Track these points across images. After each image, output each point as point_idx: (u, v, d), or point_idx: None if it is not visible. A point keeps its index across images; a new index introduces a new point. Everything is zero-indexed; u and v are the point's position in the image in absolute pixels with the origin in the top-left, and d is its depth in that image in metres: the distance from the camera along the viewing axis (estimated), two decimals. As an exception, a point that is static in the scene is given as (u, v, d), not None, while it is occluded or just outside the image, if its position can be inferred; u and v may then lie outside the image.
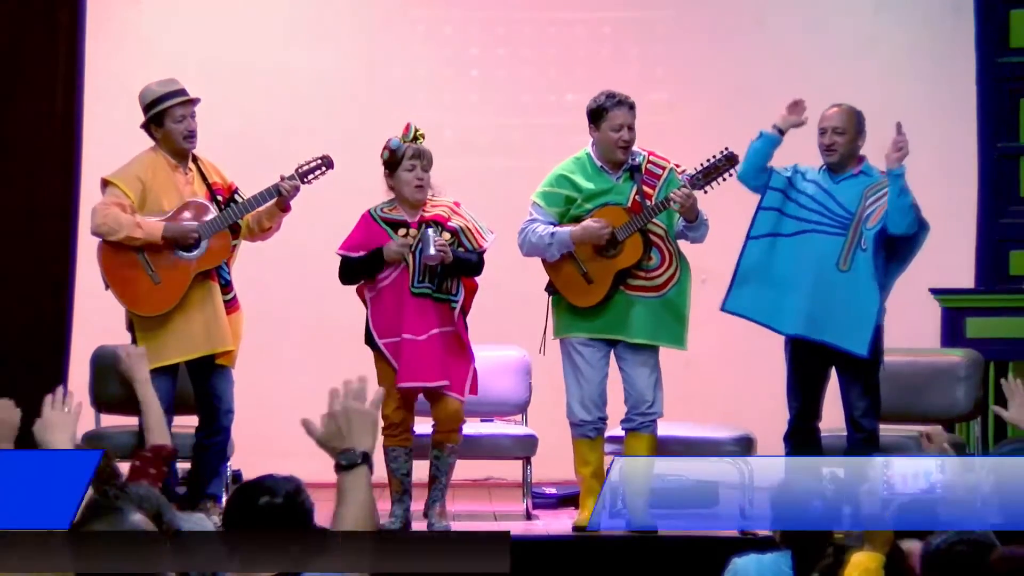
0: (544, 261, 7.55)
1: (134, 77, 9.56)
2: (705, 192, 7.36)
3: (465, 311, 7.44)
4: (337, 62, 9.95)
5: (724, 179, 7.36)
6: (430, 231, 7.26)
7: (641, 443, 7.47)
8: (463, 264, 7.33)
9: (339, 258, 7.50)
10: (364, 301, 7.46)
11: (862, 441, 7.31)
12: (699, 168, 7.34)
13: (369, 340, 7.43)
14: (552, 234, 7.47)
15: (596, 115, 7.48)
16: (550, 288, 7.61)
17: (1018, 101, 9.31)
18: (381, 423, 7.31)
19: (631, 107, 7.46)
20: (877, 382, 7.39)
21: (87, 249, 8.23)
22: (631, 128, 7.44)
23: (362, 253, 7.39)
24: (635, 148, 7.50)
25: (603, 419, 7.52)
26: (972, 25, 9.34)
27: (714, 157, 7.33)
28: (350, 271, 7.45)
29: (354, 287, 7.53)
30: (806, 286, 7.33)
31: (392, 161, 7.40)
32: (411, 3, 10.08)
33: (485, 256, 7.45)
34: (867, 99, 9.58)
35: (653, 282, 7.44)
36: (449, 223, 7.38)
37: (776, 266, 7.39)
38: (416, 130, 7.44)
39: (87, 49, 8.72)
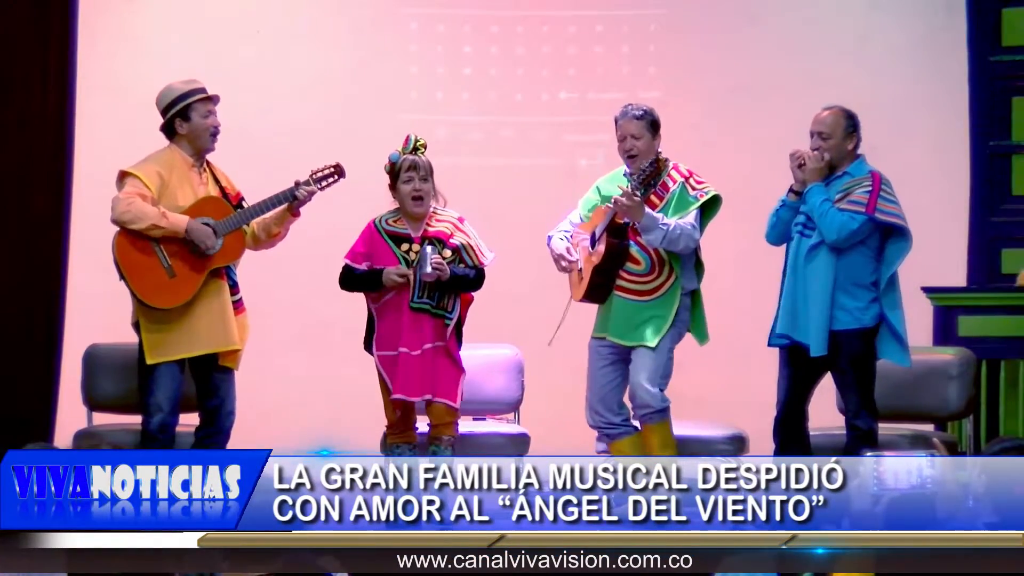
0: None
1: (127, 77, 9.58)
2: (641, 194, 7.36)
3: (461, 322, 7.54)
4: (329, 60, 9.93)
5: (653, 183, 7.40)
6: (428, 249, 7.39)
7: (649, 436, 7.50)
8: (461, 281, 7.46)
9: (339, 258, 7.58)
10: (370, 309, 7.54)
11: (855, 439, 7.32)
12: (635, 176, 7.43)
13: (368, 346, 7.53)
14: (549, 238, 7.65)
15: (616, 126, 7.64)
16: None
17: (1010, 99, 9.32)
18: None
19: (636, 117, 7.52)
20: (867, 381, 7.38)
21: (79, 248, 8.24)
22: (634, 137, 7.50)
23: (364, 267, 7.50)
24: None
25: (610, 423, 7.57)
26: (964, 23, 9.35)
27: (643, 166, 7.39)
28: (351, 282, 7.57)
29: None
30: (788, 287, 7.37)
31: (392, 174, 7.52)
32: (404, 1, 10.07)
33: (485, 272, 7.55)
34: (860, 97, 9.58)
35: (639, 286, 7.49)
36: (451, 240, 7.49)
37: (784, 276, 7.45)
38: (416, 140, 7.52)
39: (79, 49, 8.71)
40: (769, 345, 7.47)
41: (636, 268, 7.49)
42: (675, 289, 7.50)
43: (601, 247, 7.48)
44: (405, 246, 7.49)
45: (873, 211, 7.23)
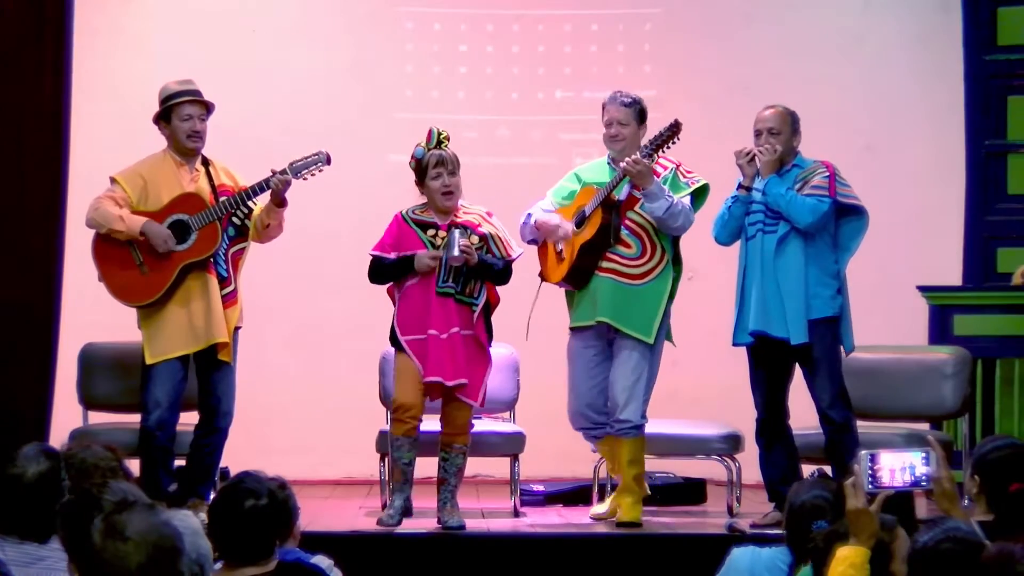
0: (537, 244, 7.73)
1: (122, 76, 9.60)
2: (651, 158, 7.42)
3: (489, 312, 7.50)
4: (325, 59, 9.95)
5: (670, 147, 7.47)
6: (456, 232, 7.31)
7: (619, 447, 7.54)
8: (488, 268, 7.40)
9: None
10: (393, 301, 7.50)
11: (834, 432, 7.34)
12: (648, 140, 7.49)
13: (393, 339, 7.47)
14: (529, 215, 7.67)
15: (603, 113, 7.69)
16: (542, 274, 7.75)
17: (1006, 98, 9.33)
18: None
19: (624, 104, 7.60)
20: (838, 370, 7.41)
21: (75, 247, 8.24)
22: (620, 123, 7.59)
23: (393, 255, 7.42)
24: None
25: (597, 424, 7.61)
26: (960, 22, 9.35)
27: (661, 130, 7.47)
28: (380, 272, 7.49)
29: (384, 287, 7.58)
30: (756, 285, 7.39)
31: (418, 170, 7.46)
32: (400, 0, 10.09)
33: (513, 266, 7.52)
34: (855, 96, 9.64)
35: (631, 269, 7.52)
36: (479, 228, 7.44)
37: (744, 276, 7.48)
38: (439, 134, 7.47)
39: (75, 48, 8.70)
40: (735, 344, 7.50)
41: (627, 252, 7.52)
42: (666, 274, 7.55)
43: (593, 222, 7.50)
44: (431, 232, 7.42)
45: (835, 194, 7.37)
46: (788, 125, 7.48)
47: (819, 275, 7.36)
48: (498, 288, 7.54)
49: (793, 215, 7.32)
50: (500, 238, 7.47)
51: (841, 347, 7.45)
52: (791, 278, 7.33)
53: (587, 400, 7.58)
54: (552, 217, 7.61)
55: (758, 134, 7.49)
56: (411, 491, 7.47)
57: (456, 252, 7.24)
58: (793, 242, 7.35)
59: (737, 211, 7.47)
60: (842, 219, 7.44)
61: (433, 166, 7.40)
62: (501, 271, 7.44)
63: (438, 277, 7.34)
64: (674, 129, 7.43)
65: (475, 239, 7.37)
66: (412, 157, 7.47)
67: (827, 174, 7.40)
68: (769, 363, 7.42)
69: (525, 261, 7.70)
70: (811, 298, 7.33)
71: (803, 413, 7.53)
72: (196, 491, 7.47)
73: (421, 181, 7.46)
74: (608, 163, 7.66)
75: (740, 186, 7.48)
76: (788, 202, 7.32)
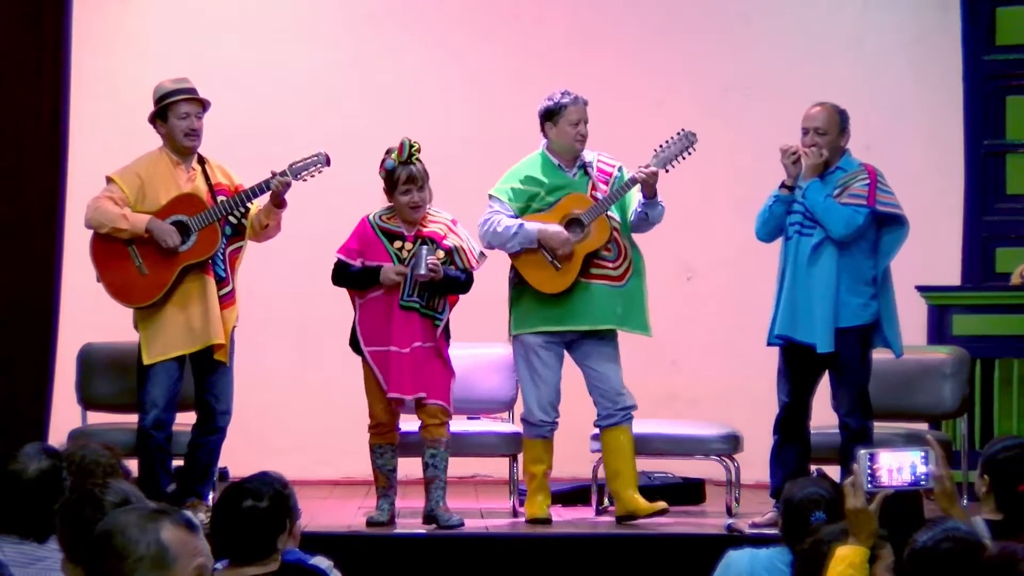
0: (511, 253, 7.65)
1: (122, 76, 9.60)
2: (667, 171, 7.49)
3: (447, 321, 7.54)
4: (321, 59, 9.95)
5: (684, 158, 7.52)
6: (424, 249, 7.36)
7: (620, 436, 7.58)
8: (452, 283, 7.45)
9: (331, 257, 7.59)
10: (354, 305, 7.53)
11: (850, 439, 7.33)
12: (660, 149, 7.52)
13: (354, 345, 7.51)
14: (521, 225, 7.59)
15: (552, 113, 7.68)
16: (516, 279, 7.70)
17: (1004, 98, 9.33)
18: (369, 422, 7.44)
19: (585, 104, 7.65)
20: (863, 379, 7.38)
21: (75, 247, 8.24)
22: (586, 123, 7.62)
23: (359, 263, 7.47)
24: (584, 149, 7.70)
25: (554, 422, 7.66)
26: (958, 22, 9.35)
27: (672, 138, 7.50)
28: (343, 278, 7.55)
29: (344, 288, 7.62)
30: (788, 287, 7.36)
31: (388, 181, 7.48)
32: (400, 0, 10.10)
33: (474, 275, 7.54)
34: (854, 96, 9.60)
35: (614, 272, 7.60)
36: (444, 241, 7.48)
37: (781, 277, 7.44)
38: (411, 147, 7.48)
39: (74, 48, 8.70)
40: (768, 345, 7.47)
41: (608, 256, 7.59)
42: (638, 267, 7.62)
43: (598, 230, 7.54)
44: (398, 243, 7.48)
45: (874, 203, 7.29)
46: (836, 125, 7.37)
47: (851, 283, 7.29)
48: (490, 288, 7.57)
49: (828, 224, 7.23)
50: (464, 250, 7.52)
51: (871, 353, 7.41)
52: (822, 285, 7.24)
53: (558, 394, 7.63)
54: (559, 231, 7.54)
55: (805, 132, 7.39)
56: (395, 497, 7.50)
57: (423, 270, 7.31)
58: (828, 249, 7.26)
59: (778, 210, 7.39)
60: (883, 228, 7.34)
61: (403, 182, 7.44)
62: (463, 284, 7.51)
63: (403, 291, 7.41)
64: (691, 141, 7.50)
65: (440, 254, 7.42)
66: (382, 166, 7.50)
67: (867, 181, 7.30)
68: (798, 365, 7.37)
69: (504, 258, 7.69)
70: (840, 306, 7.24)
71: (823, 412, 7.52)
72: (194, 491, 7.48)
73: (390, 192, 7.49)
74: (556, 164, 7.65)
75: (783, 185, 7.43)
76: (825, 210, 7.23)
